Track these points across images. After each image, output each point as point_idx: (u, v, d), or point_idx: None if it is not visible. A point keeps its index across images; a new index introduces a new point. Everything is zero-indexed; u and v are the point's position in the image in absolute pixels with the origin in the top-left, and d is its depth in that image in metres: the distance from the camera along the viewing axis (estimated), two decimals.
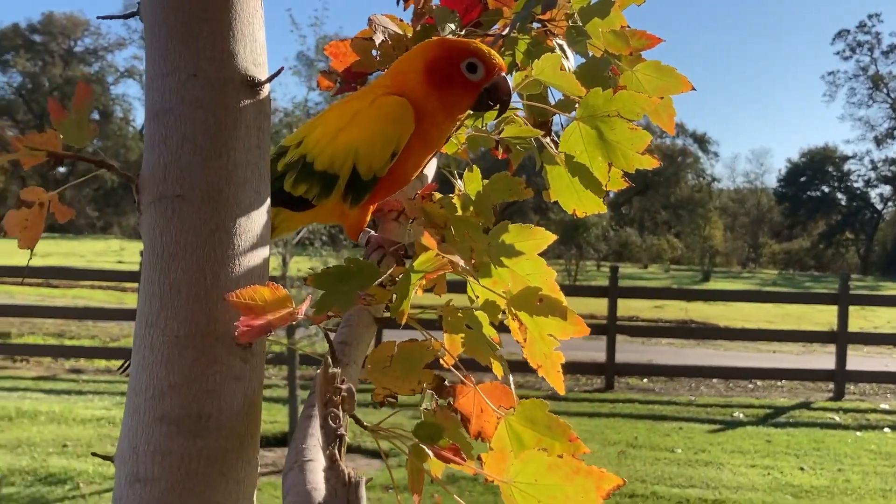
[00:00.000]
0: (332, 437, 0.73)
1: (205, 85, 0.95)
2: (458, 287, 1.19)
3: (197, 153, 0.94)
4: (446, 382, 1.08)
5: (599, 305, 13.94)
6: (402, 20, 1.71)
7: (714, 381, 14.06)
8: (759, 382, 14.01)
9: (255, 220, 0.99)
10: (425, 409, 1.06)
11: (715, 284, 38.94)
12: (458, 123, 1.38)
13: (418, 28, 1.61)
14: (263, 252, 1.00)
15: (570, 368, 13.63)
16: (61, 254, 34.18)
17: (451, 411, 1.10)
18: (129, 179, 0.93)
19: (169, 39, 0.95)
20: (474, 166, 1.30)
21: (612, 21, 1.54)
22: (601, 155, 1.30)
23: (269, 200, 1.05)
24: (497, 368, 1.09)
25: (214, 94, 0.96)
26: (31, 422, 9.87)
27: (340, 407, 0.75)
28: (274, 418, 9.90)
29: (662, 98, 1.46)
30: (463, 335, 1.07)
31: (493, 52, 1.32)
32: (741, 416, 11.61)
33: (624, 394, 12.93)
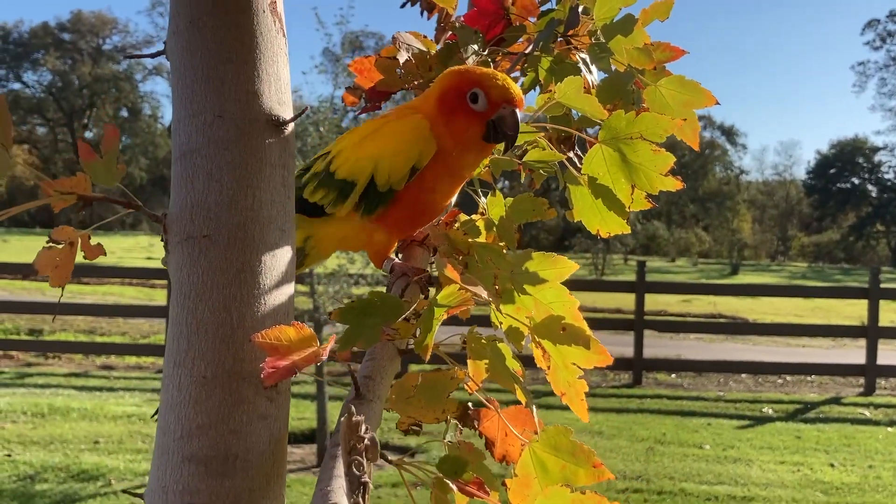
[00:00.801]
0: (355, 485, 0.74)
1: (230, 126, 0.97)
2: (483, 310, 1.20)
3: (223, 194, 0.96)
4: (470, 410, 1.09)
5: (627, 300, 13.89)
6: (426, 36, 1.72)
7: (743, 375, 13.96)
8: (788, 377, 13.91)
9: (280, 259, 1.00)
10: (449, 441, 1.07)
11: (743, 278, 38.68)
12: (485, 153, 1.38)
13: (441, 46, 1.62)
14: (289, 289, 1.02)
15: None
16: None
17: (477, 435, 1.11)
18: (156, 219, 0.95)
19: (195, 81, 0.97)
20: (497, 191, 1.31)
21: (635, 38, 1.54)
22: (624, 177, 1.30)
23: (295, 237, 1.06)
24: (521, 396, 1.09)
25: (240, 135, 0.98)
26: (63, 418, 10.00)
27: (364, 455, 0.76)
28: (302, 415, 9.97)
29: (686, 119, 1.45)
30: (487, 361, 1.08)
31: (505, 81, 1.32)
32: (770, 411, 11.53)
33: (652, 389, 12.88)
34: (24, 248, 34.73)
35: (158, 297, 20.90)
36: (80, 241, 0.98)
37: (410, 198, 1.34)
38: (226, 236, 0.95)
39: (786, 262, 61.04)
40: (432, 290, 1.22)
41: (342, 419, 0.84)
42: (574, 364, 1.07)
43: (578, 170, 1.35)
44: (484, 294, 0.96)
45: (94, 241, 1.03)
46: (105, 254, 1.00)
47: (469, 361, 1.08)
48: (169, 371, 0.96)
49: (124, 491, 7.47)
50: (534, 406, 1.10)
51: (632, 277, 14.87)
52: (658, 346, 14.90)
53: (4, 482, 7.66)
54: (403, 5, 2.36)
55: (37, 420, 9.88)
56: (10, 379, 12.16)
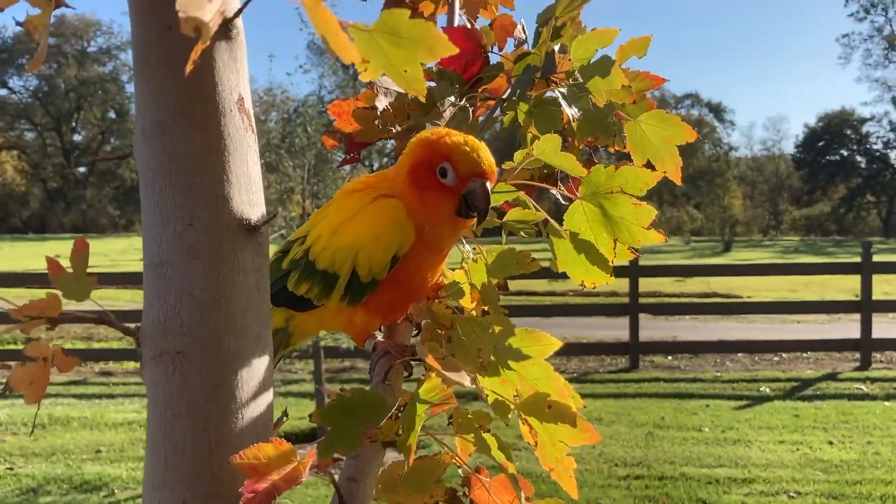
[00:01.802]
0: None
1: (201, 234, 0.95)
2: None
3: (196, 306, 0.94)
4: (458, 492, 1.09)
5: (621, 283, 13.87)
6: None
7: (739, 355, 14.00)
8: (784, 355, 13.94)
9: (257, 368, 0.99)
10: None
11: (736, 255, 38.73)
12: (461, 227, 1.36)
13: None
14: (267, 398, 1.00)
15: (595, 349, 13.64)
16: None
17: None
18: (129, 333, 0.94)
19: (164, 188, 0.95)
20: (479, 258, 1.30)
21: (612, 80, 1.52)
22: (606, 231, 1.29)
23: (271, 343, 1.04)
24: (510, 467, 1.09)
25: (211, 243, 0.96)
26: (63, 428, 10.00)
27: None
28: (302, 414, 9.97)
29: (664, 173, 1.44)
30: (473, 436, 1.07)
31: (476, 152, 1.29)
32: (767, 390, 11.57)
33: (649, 373, 12.91)
34: (18, 254, 34.64)
35: None
36: (53, 356, 0.97)
37: (394, 283, 1.33)
38: (200, 351, 0.94)
39: (778, 236, 61.14)
40: (416, 375, 1.21)
41: None
42: (561, 441, 1.06)
43: (559, 221, 1.35)
44: (466, 382, 0.95)
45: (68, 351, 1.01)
46: (80, 363, 0.98)
47: (457, 438, 1.07)
48: (149, 493, 0.94)
49: (128, 500, 7.47)
50: (517, 481, 1.09)
51: (624, 261, 14.87)
52: (653, 328, 14.92)
53: (8, 496, 7.65)
54: None
55: (38, 431, 9.87)
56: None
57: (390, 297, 1.35)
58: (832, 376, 12.47)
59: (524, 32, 1.67)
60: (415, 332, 1.41)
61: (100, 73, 69.35)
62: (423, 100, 1.46)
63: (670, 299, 19.87)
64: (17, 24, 0.98)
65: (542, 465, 1.10)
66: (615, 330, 13.81)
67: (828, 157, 68.96)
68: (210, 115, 0.95)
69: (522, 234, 1.38)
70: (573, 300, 18.61)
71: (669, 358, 14.03)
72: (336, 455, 0.94)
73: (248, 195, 1.00)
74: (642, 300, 14.06)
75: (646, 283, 17.62)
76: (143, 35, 0.95)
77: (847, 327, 15.13)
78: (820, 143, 68.49)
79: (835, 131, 68.23)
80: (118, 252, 38.37)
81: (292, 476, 0.87)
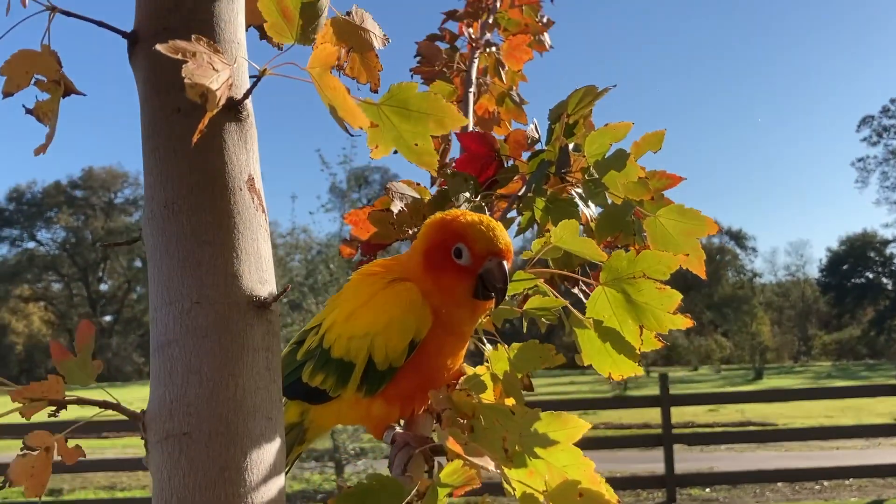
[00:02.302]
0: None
1: (209, 312, 0.93)
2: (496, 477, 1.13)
3: (203, 386, 0.91)
4: None
5: (653, 414, 13.59)
6: (419, 184, 1.70)
7: (779, 484, 13.51)
8: (826, 483, 13.44)
9: (268, 451, 0.94)
10: None
11: (768, 382, 38.10)
12: (479, 310, 1.32)
13: (434, 194, 1.60)
14: (278, 482, 0.95)
15: (629, 483, 13.21)
16: None
17: None
18: (135, 418, 0.90)
19: (171, 267, 0.93)
20: (500, 345, 1.26)
21: (628, 173, 1.51)
22: (631, 318, 1.25)
23: (283, 424, 0.99)
24: None
25: (220, 321, 0.93)
26: None
27: None
28: None
29: (688, 255, 1.41)
30: None
31: (491, 231, 1.26)
32: None
33: None
34: None
35: None
36: (56, 445, 0.93)
37: (412, 370, 1.28)
38: (207, 432, 0.89)
39: (809, 362, 60.19)
40: (437, 462, 1.15)
41: None
42: None
43: (583, 311, 1.31)
44: (491, 466, 0.89)
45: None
46: (84, 455, 0.94)
47: None
48: None
49: None
50: None
51: (655, 391, 14.60)
52: (689, 459, 14.49)
53: None
54: None
55: None
56: None
57: (409, 386, 1.29)
58: None
59: (537, 131, 1.68)
60: (435, 424, 1.35)
61: (126, 222, 70.96)
62: (433, 173, 1.46)
63: (704, 429, 19.39)
64: (27, 111, 0.98)
65: None
66: (650, 463, 13.39)
67: (853, 280, 68.58)
68: (219, 194, 0.94)
69: (543, 320, 1.33)
70: (604, 433, 18.22)
71: (707, 490, 13.55)
72: None
73: (259, 272, 0.97)
74: (675, 431, 13.71)
75: (679, 414, 17.23)
76: (153, 117, 0.95)
77: (888, 452, 14.65)
78: (844, 267, 68.27)
79: (858, 254, 68.11)
80: (142, 400, 38.02)
81: None
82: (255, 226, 0.98)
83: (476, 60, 2.41)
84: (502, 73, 2.47)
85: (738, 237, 68.34)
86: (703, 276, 1.57)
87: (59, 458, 0.92)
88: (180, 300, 0.93)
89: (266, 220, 1.01)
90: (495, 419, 1.09)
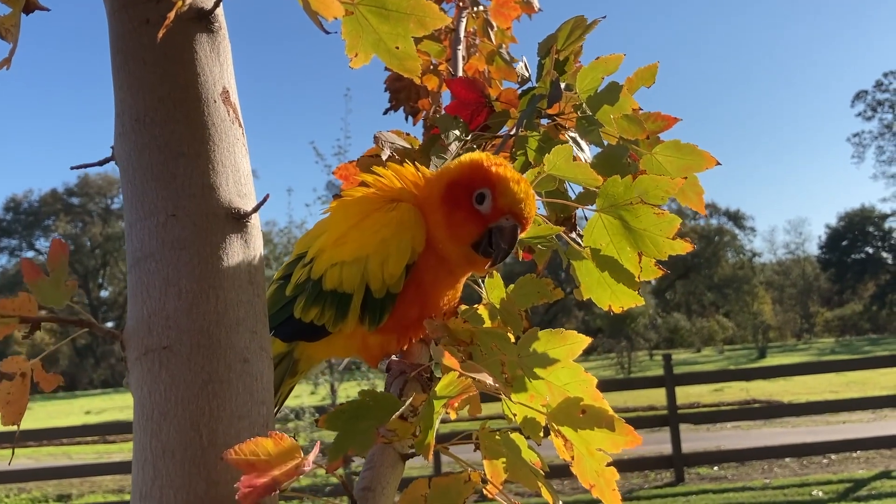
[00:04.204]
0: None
1: (186, 224, 0.88)
2: (496, 407, 1.09)
3: (182, 298, 0.86)
4: None
5: (658, 395, 13.58)
6: (408, 134, 1.66)
7: (787, 459, 13.49)
8: (833, 456, 13.42)
9: (254, 364, 0.90)
10: None
11: (772, 360, 38.11)
12: (475, 266, 1.26)
13: (426, 139, 1.56)
14: (266, 396, 0.91)
15: (637, 465, 13.18)
16: (116, 408, 34.34)
17: None
18: (113, 336, 0.86)
19: (145, 181, 0.89)
20: (494, 272, 1.22)
21: (622, 106, 1.47)
22: (629, 245, 1.21)
23: (269, 338, 0.95)
24: (546, 495, 0.97)
25: (197, 233, 0.89)
26: None
27: None
28: None
29: (686, 178, 1.37)
30: (504, 460, 0.97)
31: (523, 193, 1.21)
32: (820, 493, 11.08)
33: (696, 485, 12.42)
34: (47, 412, 34.58)
35: None
36: (32, 371, 0.89)
37: (409, 299, 1.23)
38: (188, 345, 0.85)
39: (812, 339, 60.19)
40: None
41: None
42: (600, 450, 0.96)
43: (580, 245, 1.27)
44: (489, 380, 0.86)
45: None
46: (63, 382, 0.90)
47: (484, 462, 0.97)
48: None
49: None
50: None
51: (659, 372, 14.58)
52: (696, 439, 14.47)
53: None
54: (386, 111, 2.33)
55: None
56: None
57: (406, 315, 1.24)
58: (886, 475, 11.95)
59: (526, 69, 1.64)
60: (432, 346, 1.30)
61: (124, 228, 70.92)
62: (417, 80, 1.42)
63: (710, 409, 19.38)
64: None
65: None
66: (657, 444, 13.37)
67: (853, 256, 68.55)
68: (192, 106, 0.90)
69: (540, 247, 1.29)
70: None
71: (715, 468, 13.52)
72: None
73: (237, 186, 0.93)
74: (681, 411, 13.68)
75: (684, 396, 17.21)
76: (121, 30, 0.91)
77: (894, 424, 14.63)
78: (844, 243, 68.25)
79: (857, 229, 68.07)
80: None
81: (294, 470, 0.77)
82: (231, 138, 0.93)
83: (464, 19, 2.37)
84: (491, 33, 2.43)
85: (736, 217, 68.25)
86: (703, 212, 1.53)
87: (37, 382, 0.88)
88: (155, 213, 0.89)
89: (244, 135, 0.97)
90: (493, 343, 1.06)
